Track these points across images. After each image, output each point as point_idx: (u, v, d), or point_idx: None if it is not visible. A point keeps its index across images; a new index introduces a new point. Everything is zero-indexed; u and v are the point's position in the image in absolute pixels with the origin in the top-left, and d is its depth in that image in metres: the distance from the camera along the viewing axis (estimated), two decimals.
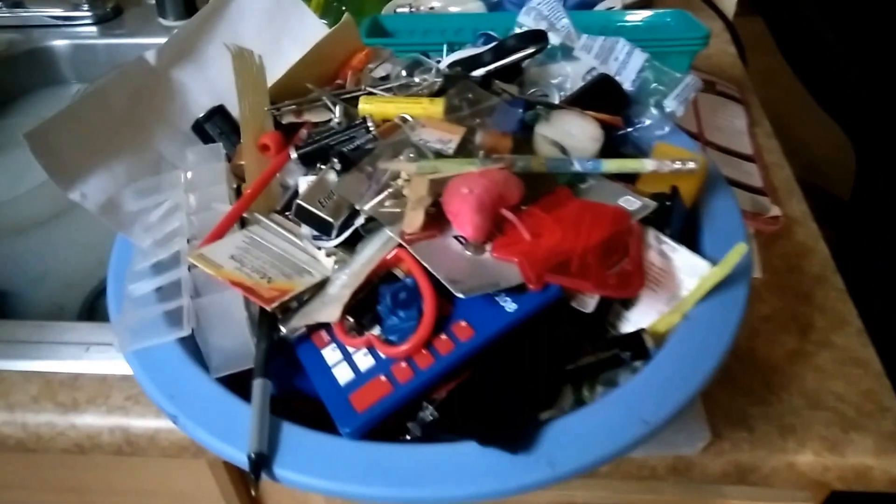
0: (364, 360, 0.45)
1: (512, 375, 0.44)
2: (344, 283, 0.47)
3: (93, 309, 0.75)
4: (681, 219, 0.50)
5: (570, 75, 0.59)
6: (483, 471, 0.41)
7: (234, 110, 0.60)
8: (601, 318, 0.48)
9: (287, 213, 0.52)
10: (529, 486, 0.40)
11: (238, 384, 0.46)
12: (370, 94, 0.58)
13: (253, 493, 0.58)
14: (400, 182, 0.49)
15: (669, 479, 0.57)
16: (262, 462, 0.41)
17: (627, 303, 0.49)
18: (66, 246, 0.82)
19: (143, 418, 0.58)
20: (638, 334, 0.47)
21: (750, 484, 0.60)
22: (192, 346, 0.47)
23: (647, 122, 0.57)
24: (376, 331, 0.46)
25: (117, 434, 0.59)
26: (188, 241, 0.50)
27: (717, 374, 0.56)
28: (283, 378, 0.47)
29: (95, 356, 0.61)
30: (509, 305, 0.46)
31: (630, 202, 0.50)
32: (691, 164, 0.50)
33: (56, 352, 0.62)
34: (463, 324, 0.45)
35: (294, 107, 0.58)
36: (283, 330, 0.46)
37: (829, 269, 0.65)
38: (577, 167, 0.50)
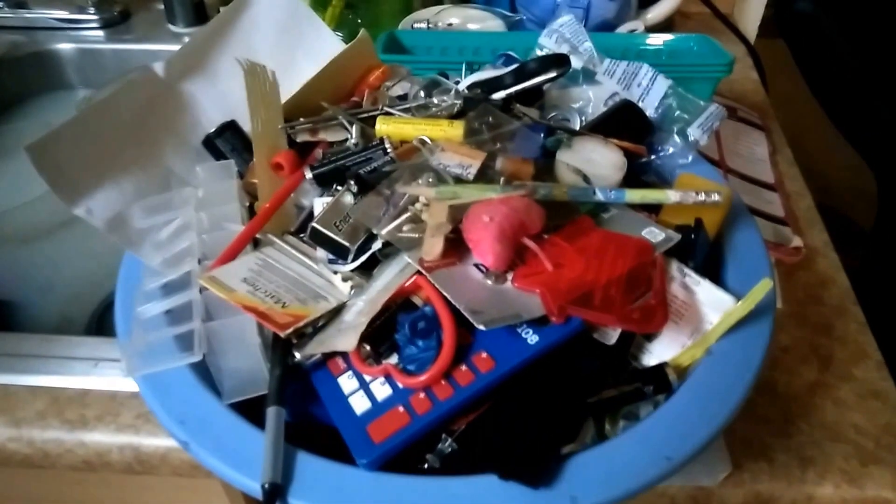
0: (381, 390, 0.44)
1: (533, 408, 0.43)
2: (360, 310, 0.46)
3: (101, 321, 0.74)
4: (704, 251, 0.50)
5: (591, 100, 0.58)
6: (501, 498, 0.40)
7: (246, 125, 0.59)
8: (623, 351, 0.47)
9: (302, 236, 0.51)
10: None
11: (250, 410, 0.45)
12: (387, 114, 0.57)
13: None
14: (418, 207, 0.48)
15: None
16: (277, 492, 0.40)
17: (650, 336, 0.48)
18: (73, 256, 0.81)
19: (153, 436, 0.58)
20: (660, 368, 0.46)
21: None
22: (204, 371, 0.46)
23: (670, 150, 0.56)
24: (394, 360, 0.45)
25: (127, 452, 0.58)
26: (199, 261, 0.49)
27: (738, 429, 0.56)
28: (297, 405, 0.46)
29: (104, 372, 0.60)
30: (531, 337, 0.45)
31: (654, 234, 0.49)
32: (716, 197, 0.50)
33: (64, 367, 0.61)
34: (483, 355, 0.44)
35: (309, 125, 0.58)
36: (298, 357, 0.45)
37: (849, 301, 0.64)
38: (599, 196, 0.49)
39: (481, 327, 0.43)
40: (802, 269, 0.67)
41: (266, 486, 0.40)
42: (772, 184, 0.72)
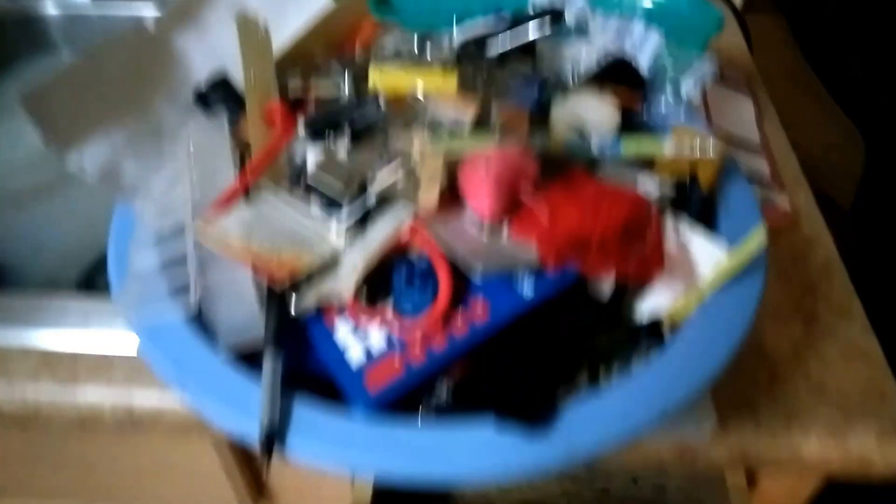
0: (378, 341, 0.44)
1: (529, 356, 0.44)
2: (356, 260, 0.45)
3: (90, 283, 0.73)
4: (698, 205, 0.50)
5: (584, 56, 0.58)
6: (499, 448, 0.40)
7: (238, 80, 0.58)
8: (617, 306, 0.48)
9: (295, 187, 0.51)
10: (546, 465, 0.40)
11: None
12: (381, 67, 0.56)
13: (265, 472, 0.57)
14: (413, 158, 0.48)
15: (676, 467, 0.57)
16: (274, 438, 0.40)
17: (644, 288, 0.48)
18: (61, 219, 0.80)
19: (146, 395, 0.57)
20: (653, 320, 0.46)
21: (754, 470, 0.60)
22: (200, 325, 0.46)
23: (663, 106, 0.56)
24: (390, 308, 0.45)
25: (119, 411, 0.57)
26: (193, 213, 0.48)
27: (725, 384, 0.56)
28: (292, 358, 0.46)
29: (97, 330, 0.59)
30: (526, 289, 0.45)
31: (649, 186, 0.49)
32: (710, 150, 0.50)
33: (55, 325, 0.60)
34: (479, 307, 0.44)
35: (301, 78, 0.57)
36: (294, 307, 0.45)
37: (834, 262, 0.65)
38: (595, 148, 0.49)
39: (476, 276, 0.43)
40: (788, 231, 0.67)
41: (264, 431, 0.40)
42: (759, 147, 0.72)
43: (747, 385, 0.57)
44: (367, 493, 0.68)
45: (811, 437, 0.55)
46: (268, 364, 0.42)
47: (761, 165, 0.71)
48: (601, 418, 0.41)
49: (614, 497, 0.70)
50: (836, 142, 1.01)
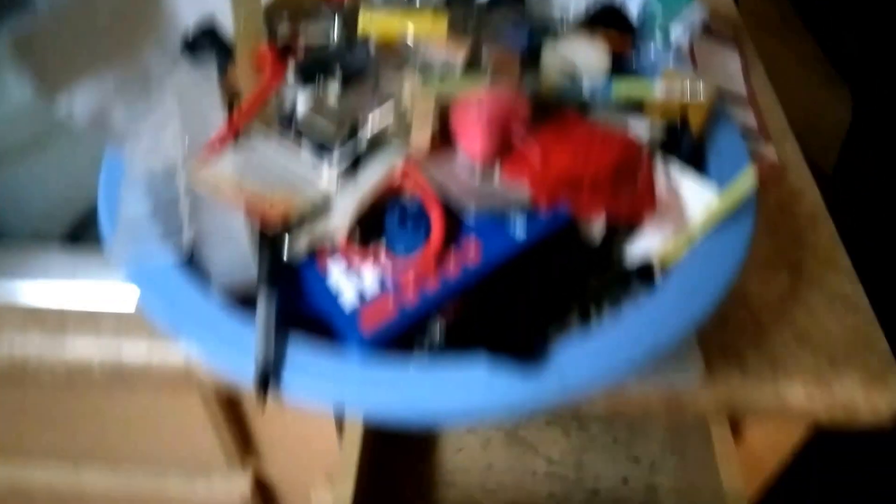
0: (371, 284, 0.44)
1: (520, 297, 0.44)
2: (348, 202, 0.45)
3: (78, 237, 0.73)
4: (689, 148, 0.50)
5: (573, 2, 0.58)
6: (491, 385, 0.40)
7: (227, 26, 0.57)
8: (608, 249, 0.48)
9: (286, 132, 0.50)
10: (538, 400, 0.40)
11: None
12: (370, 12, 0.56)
13: (261, 409, 0.57)
14: (404, 101, 0.47)
15: (663, 414, 0.57)
16: (269, 375, 0.40)
17: (634, 232, 0.48)
18: (48, 174, 0.78)
19: (135, 348, 0.57)
20: (644, 263, 0.46)
21: (740, 417, 0.61)
22: (193, 266, 0.46)
23: (652, 52, 0.56)
24: (383, 250, 0.45)
25: (108, 364, 0.57)
26: (183, 157, 0.48)
27: (712, 332, 0.57)
28: (286, 303, 0.45)
29: (85, 282, 0.59)
30: (519, 231, 0.45)
31: (640, 128, 0.49)
32: (700, 93, 0.50)
33: (43, 278, 0.59)
34: (472, 248, 0.44)
35: (290, 23, 0.56)
36: (286, 250, 0.45)
37: (820, 213, 0.66)
38: (586, 91, 0.48)
39: (469, 215, 0.43)
40: (775, 183, 0.67)
41: (259, 366, 0.39)
42: (746, 99, 0.72)
43: (734, 334, 0.58)
44: (355, 452, 0.68)
45: (797, 383, 0.55)
46: (261, 302, 0.41)
47: (748, 118, 0.71)
48: (592, 355, 0.41)
49: (605, 498, 0.69)
50: (822, 98, 1.01)
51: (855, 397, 0.55)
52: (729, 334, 0.57)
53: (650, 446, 0.72)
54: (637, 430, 0.72)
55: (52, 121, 0.73)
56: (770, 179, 0.67)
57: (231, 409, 0.71)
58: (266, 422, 0.74)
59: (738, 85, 0.74)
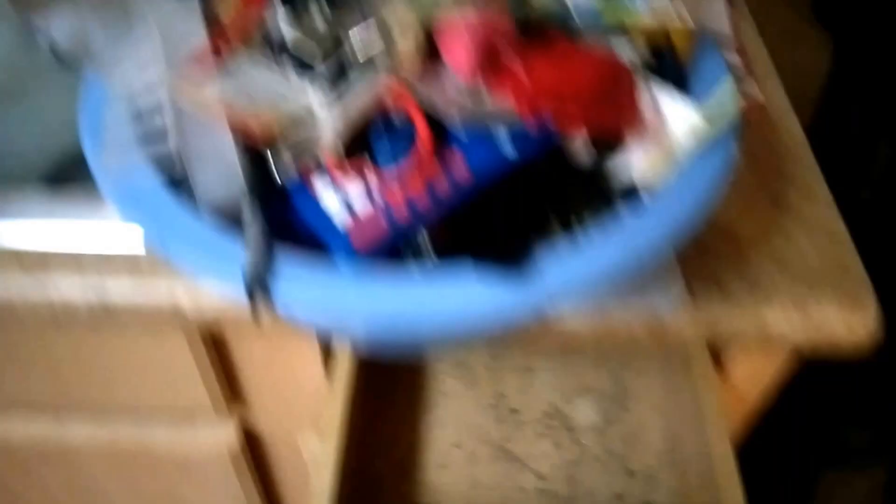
0: (362, 203, 0.44)
1: (509, 211, 0.44)
2: (336, 121, 0.45)
3: (60, 178, 0.72)
4: (674, 74, 0.50)
5: None
6: (480, 295, 0.41)
7: None
8: (595, 170, 0.48)
9: (271, 54, 0.50)
10: (525, 310, 0.41)
11: None
12: None
13: (255, 319, 0.57)
14: (391, 21, 0.47)
15: (651, 347, 0.58)
16: (260, 282, 0.40)
17: (619, 152, 0.48)
18: (28, 119, 0.78)
19: (120, 286, 0.57)
20: (629, 183, 0.47)
21: (722, 345, 0.62)
22: (180, 186, 0.45)
23: None
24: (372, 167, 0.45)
25: (94, 304, 0.57)
26: (166, 77, 0.47)
27: (693, 243, 0.58)
28: (276, 226, 0.45)
29: (69, 222, 0.59)
30: (508, 151, 0.45)
31: (625, 50, 0.49)
32: (687, 18, 0.50)
33: (27, 218, 0.59)
34: (462, 168, 0.45)
35: None
36: (275, 166, 0.45)
37: (801, 145, 0.67)
38: (573, 13, 0.49)
39: (459, 133, 0.43)
40: (758, 120, 0.68)
41: (249, 274, 0.39)
42: (729, 40, 0.73)
43: (715, 262, 0.59)
44: (343, 399, 0.68)
45: (776, 307, 0.56)
46: (249, 212, 0.41)
47: (732, 58, 0.71)
48: (575, 265, 0.42)
49: None
50: (802, 43, 1.02)
51: (832, 319, 0.56)
52: (711, 262, 0.58)
53: (646, 458, 0.69)
54: (632, 440, 0.70)
55: (32, 65, 0.72)
56: (754, 118, 0.68)
57: (216, 351, 0.71)
58: (252, 366, 0.75)
59: (723, 25, 0.75)
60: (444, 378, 0.73)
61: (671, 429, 0.69)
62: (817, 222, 0.61)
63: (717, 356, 0.72)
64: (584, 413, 0.70)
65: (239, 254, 0.40)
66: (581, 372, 0.73)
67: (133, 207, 0.44)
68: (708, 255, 0.59)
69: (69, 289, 0.57)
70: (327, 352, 0.72)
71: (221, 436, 0.81)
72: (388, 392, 0.75)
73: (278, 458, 0.89)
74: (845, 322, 0.56)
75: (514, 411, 0.70)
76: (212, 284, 0.43)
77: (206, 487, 0.89)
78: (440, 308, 0.40)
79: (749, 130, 0.67)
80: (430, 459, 0.68)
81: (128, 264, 0.58)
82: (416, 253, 0.43)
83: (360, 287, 0.40)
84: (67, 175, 0.66)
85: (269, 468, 0.91)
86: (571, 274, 0.41)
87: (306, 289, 0.40)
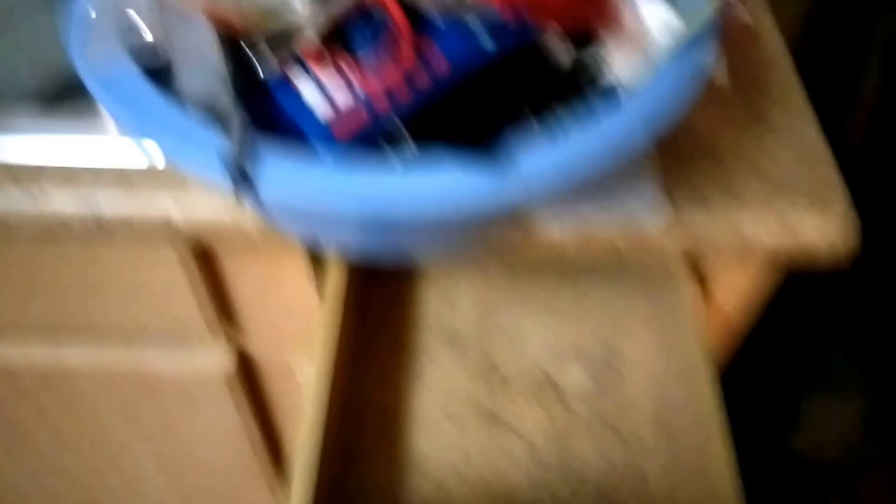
0: (344, 97, 0.45)
1: (487, 104, 0.45)
2: (315, 12, 0.46)
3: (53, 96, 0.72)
4: None
5: None
6: (460, 183, 0.42)
7: None
8: (574, 68, 0.49)
9: None
10: (502, 196, 0.42)
11: None
12: None
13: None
14: None
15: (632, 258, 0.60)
16: (243, 169, 0.41)
17: (597, 51, 0.49)
18: (14, 49, 0.78)
19: (113, 200, 0.58)
20: (605, 81, 0.48)
21: (702, 256, 0.63)
22: (162, 78, 0.46)
23: None
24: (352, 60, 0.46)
25: (87, 217, 0.58)
26: None
27: (673, 153, 0.59)
28: (256, 118, 0.46)
29: (62, 137, 0.60)
30: (486, 42, 0.46)
31: None
32: None
33: (18, 133, 0.60)
34: (440, 59, 0.46)
35: None
36: (256, 60, 0.45)
37: (781, 57, 0.68)
38: None
39: (436, 23, 0.44)
40: (745, 42, 0.69)
41: (233, 160, 0.40)
42: None
43: (694, 172, 0.60)
44: (333, 318, 0.69)
45: (752, 214, 0.58)
46: (230, 102, 0.42)
47: None
48: (552, 154, 0.43)
49: (591, 484, 0.64)
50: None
51: (806, 225, 0.58)
52: (690, 172, 0.60)
53: (637, 424, 0.68)
54: (624, 405, 0.69)
55: None
56: (739, 37, 0.69)
57: (208, 271, 0.72)
58: (244, 288, 0.76)
59: None
60: (433, 344, 0.73)
61: (663, 392, 0.70)
62: (795, 133, 0.63)
63: (701, 282, 0.73)
64: (575, 378, 0.71)
65: (222, 141, 0.41)
66: (572, 334, 0.74)
67: (116, 99, 0.44)
68: (687, 165, 0.60)
69: (62, 202, 0.58)
70: (318, 274, 0.73)
71: (216, 359, 0.83)
72: (378, 322, 0.76)
73: (273, 383, 0.91)
74: (819, 229, 0.58)
75: (503, 377, 0.70)
76: (195, 173, 0.43)
77: (202, 413, 0.91)
78: (418, 193, 0.41)
79: (733, 48, 0.68)
80: (422, 431, 0.68)
81: (120, 177, 0.59)
82: (396, 143, 0.44)
83: (341, 172, 0.41)
84: (61, 96, 0.67)
85: (264, 392, 0.93)
86: (547, 162, 0.42)
87: (289, 175, 0.41)
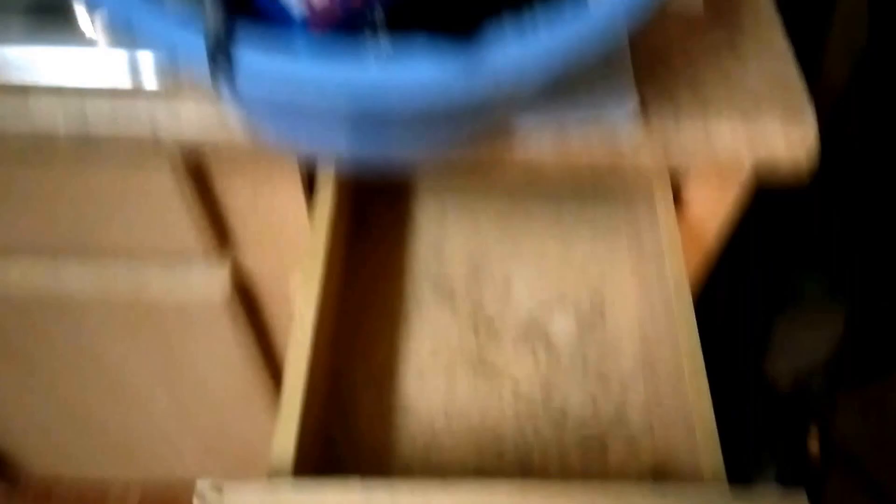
0: None
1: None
2: None
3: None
4: None
5: None
6: (436, 71, 0.43)
7: None
8: None
9: None
10: (475, 82, 0.43)
11: None
12: None
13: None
14: None
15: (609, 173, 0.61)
16: (222, 47, 0.42)
17: None
18: None
19: (99, 111, 0.59)
20: None
21: (677, 169, 0.65)
22: None
23: None
24: None
25: (74, 131, 0.60)
26: None
27: (647, 65, 0.61)
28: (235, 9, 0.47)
29: (46, 49, 0.60)
30: None
31: None
32: None
33: (5, 47, 0.60)
34: None
35: None
36: None
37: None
38: None
39: None
40: None
41: (210, 37, 0.41)
42: None
43: (669, 83, 0.62)
44: (325, 234, 0.70)
45: (724, 124, 0.60)
46: None
47: None
48: (524, 43, 0.44)
49: (572, 417, 0.67)
50: None
51: (774, 133, 0.60)
52: (663, 83, 0.62)
53: (620, 364, 0.71)
54: (608, 348, 0.72)
55: None
56: None
57: (202, 190, 0.73)
58: (238, 207, 0.77)
59: None
60: (423, 292, 0.75)
61: (644, 331, 0.73)
62: (766, 42, 0.65)
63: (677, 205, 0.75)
64: (562, 324, 0.73)
65: (199, 22, 0.42)
66: (559, 282, 0.76)
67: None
68: (661, 76, 0.62)
69: (49, 115, 0.59)
70: (312, 197, 0.74)
71: (213, 281, 0.84)
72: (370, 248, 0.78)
73: (271, 305, 0.93)
74: (786, 137, 0.60)
75: (491, 323, 0.73)
76: (172, 54, 0.44)
77: (200, 336, 0.93)
78: (386, 80, 0.43)
79: None
80: (406, 365, 0.70)
81: (108, 91, 0.60)
82: (371, 30, 0.46)
83: (314, 60, 0.43)
84: (46, 8, 0.66)
85: (263, 317, 0.95)
86: (517, 51, 0.44)
87: (266, 55, 0.42)
